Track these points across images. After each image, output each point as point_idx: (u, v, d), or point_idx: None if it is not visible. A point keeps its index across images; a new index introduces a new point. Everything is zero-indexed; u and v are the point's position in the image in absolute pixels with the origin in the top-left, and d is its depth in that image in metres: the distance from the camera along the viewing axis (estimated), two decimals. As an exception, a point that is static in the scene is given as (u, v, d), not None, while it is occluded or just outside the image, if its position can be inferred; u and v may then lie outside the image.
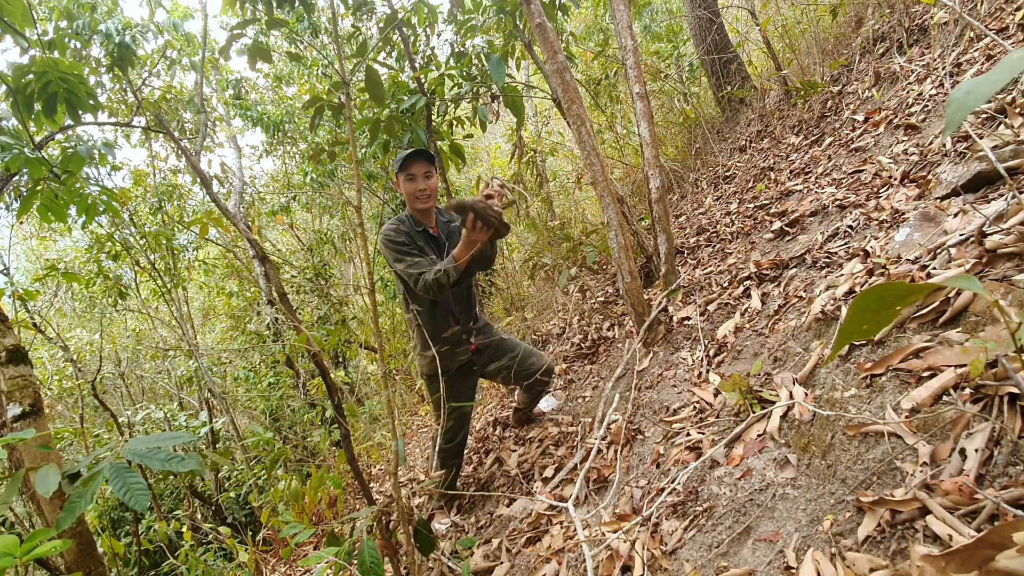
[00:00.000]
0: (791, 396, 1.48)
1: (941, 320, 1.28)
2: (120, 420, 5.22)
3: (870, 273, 1.66)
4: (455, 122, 4.12)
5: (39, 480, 1.09)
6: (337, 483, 2.03)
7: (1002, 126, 1.93)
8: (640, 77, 2.52)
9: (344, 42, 5.43)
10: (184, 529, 3.64)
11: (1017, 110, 1.94)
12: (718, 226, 3.34)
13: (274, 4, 3.01)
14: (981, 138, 1.90)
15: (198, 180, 6.22)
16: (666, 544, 1.37)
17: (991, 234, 1.38)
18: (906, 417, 1.14)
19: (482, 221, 1.90)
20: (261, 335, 6.75)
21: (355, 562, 1.27)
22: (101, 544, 3.35)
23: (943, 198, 1.80)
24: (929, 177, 2.04)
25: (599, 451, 2.02)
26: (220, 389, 6.16)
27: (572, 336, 3.61)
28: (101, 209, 2.58)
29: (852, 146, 2.91)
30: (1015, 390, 0.98)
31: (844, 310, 1.62)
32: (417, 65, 3.95)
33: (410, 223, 2.24)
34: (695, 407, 1.88)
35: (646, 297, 2.62)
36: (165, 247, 5.51)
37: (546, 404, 2.88)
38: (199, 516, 5.36)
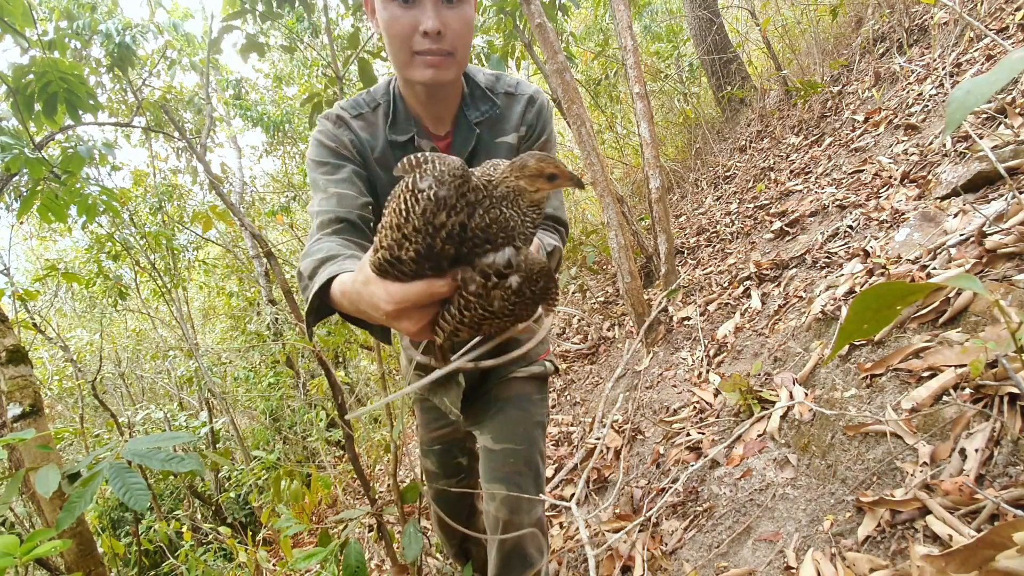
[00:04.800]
0: (791, 396, 1.48)
1: (941, 320, 1.28)
2: (120, 420, 5.22)
3: (870, 273, 1.66)
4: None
5: (39, 480, 1.09)
6: (328, 485, 2.03)
7: (1002, 126, 1.93)
8: (640, 77, 2.52)
9: (343, 40, 5.43)
10: (184, 529, 3.64)
11: (1017, 110, 1.94)
12: (718, 226, 3.34)
13: (274, 3, 3.01)
14: (981, 138, 1.90)
15: (199, 178, 6.23)
16: (666, 544, 1.37)
17: (991, 234, 1.38)
18: (906, 417, 1.14)
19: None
20: (261, 335, 6.75)
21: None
22: (101, 544, 3.35)
23: (943, 198, 1.80)
24: (929, 177, 2.04)
25: (600, 451, 2.02)
26: (220, 389, 6.16)
27: (572, 336, 3.61)
28: (101, 209, 2.57)
29: (852, 146, 2.91)
30: (1015, 390, 0.98)
31: (844, 310, 1.62)
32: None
33: (385, 114, 1.05)
34: (695, 407, 1.88)
35: (646, 297, 2.62)
36: (165, 247, 5.50)
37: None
38: (199, 516, 5.36)
